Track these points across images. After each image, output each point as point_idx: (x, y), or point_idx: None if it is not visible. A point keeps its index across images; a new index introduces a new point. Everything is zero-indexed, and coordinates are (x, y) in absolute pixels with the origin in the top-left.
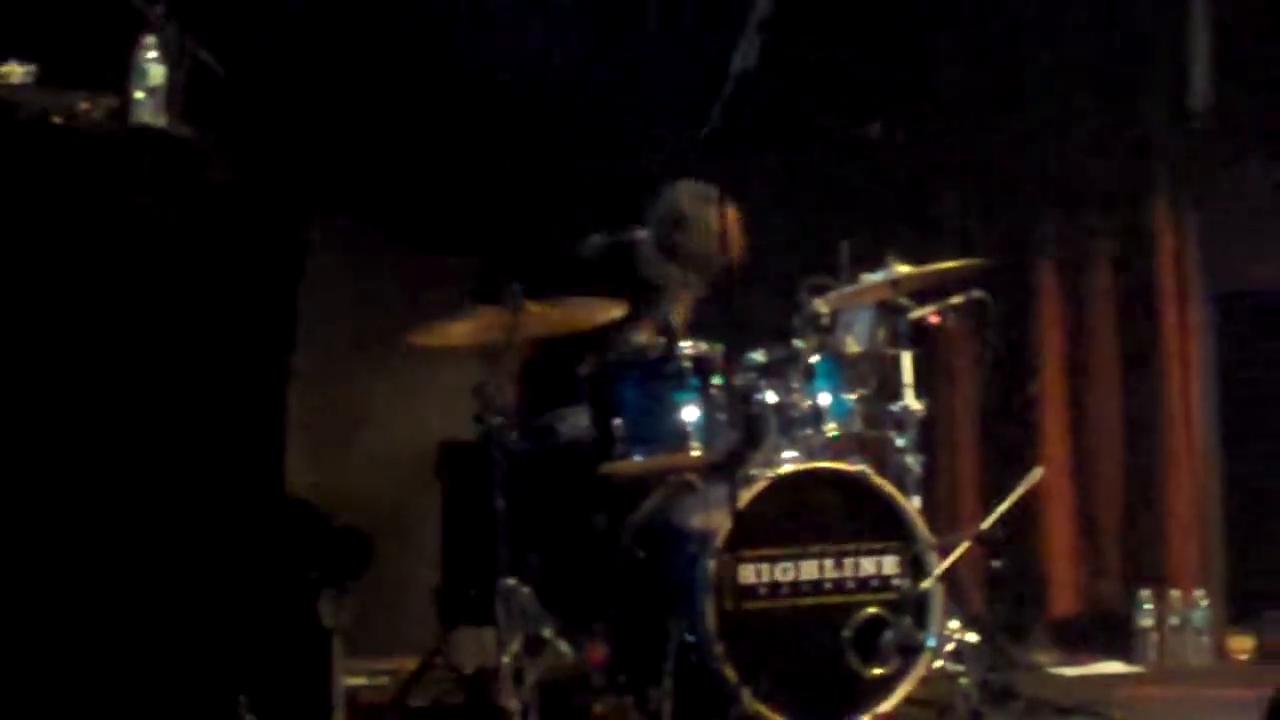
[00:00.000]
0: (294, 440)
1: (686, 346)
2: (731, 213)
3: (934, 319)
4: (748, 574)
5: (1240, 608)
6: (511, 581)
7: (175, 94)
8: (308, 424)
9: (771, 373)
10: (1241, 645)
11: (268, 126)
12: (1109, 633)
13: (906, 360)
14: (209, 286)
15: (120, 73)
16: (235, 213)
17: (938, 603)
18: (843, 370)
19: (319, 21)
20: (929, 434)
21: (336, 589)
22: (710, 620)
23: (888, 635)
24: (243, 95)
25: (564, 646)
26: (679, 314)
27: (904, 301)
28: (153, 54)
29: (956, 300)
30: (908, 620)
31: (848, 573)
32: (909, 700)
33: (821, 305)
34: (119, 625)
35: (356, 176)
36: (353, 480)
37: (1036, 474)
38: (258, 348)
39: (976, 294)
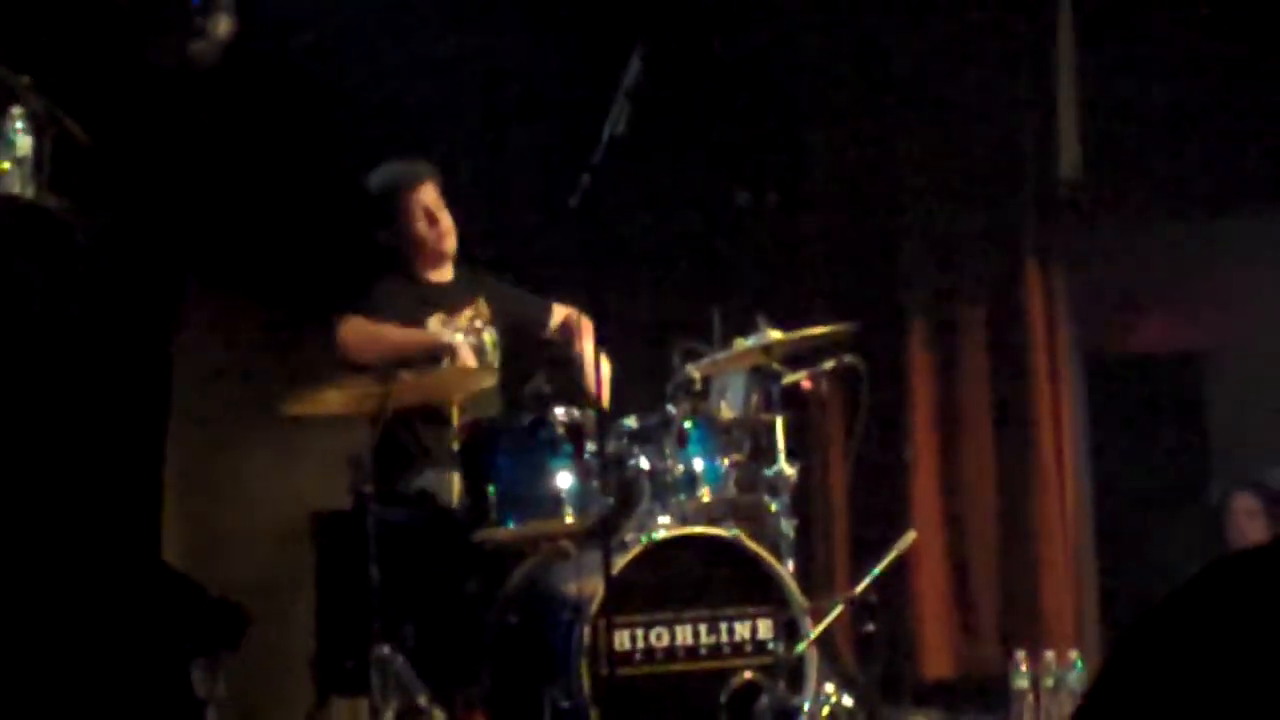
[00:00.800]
0: (167, 509)
1: (559, 413)
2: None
3: (807, 384)
4: (623, 640)
5: None
6: (386, 650)
7: (42, 164)
8: (181, 493)
9: (645, 438)
10: None
11: (135, 196)
12: (985, 694)
13: (779, 425)
14: (78, 356)
15: None
16: (103, 282)
17: (813, 667)
18: (716, 435)
19: (187, 91)
20: (803, 498)
21: (210, 659)
22: (585, 687)
23: (763, 700)
24: (109, 165)
25: (439, 715)
26: (482, 314)
27: (777, 366)
28: (20, 124)
29: (829, 365)
30: (783, 685)
31: (723, 638)
32: None
33: (694, 370)
34: None
35: (226, 244)
36: (226, 549)
37: (910, 537)
38: (130, 416)
39: (849, 359)
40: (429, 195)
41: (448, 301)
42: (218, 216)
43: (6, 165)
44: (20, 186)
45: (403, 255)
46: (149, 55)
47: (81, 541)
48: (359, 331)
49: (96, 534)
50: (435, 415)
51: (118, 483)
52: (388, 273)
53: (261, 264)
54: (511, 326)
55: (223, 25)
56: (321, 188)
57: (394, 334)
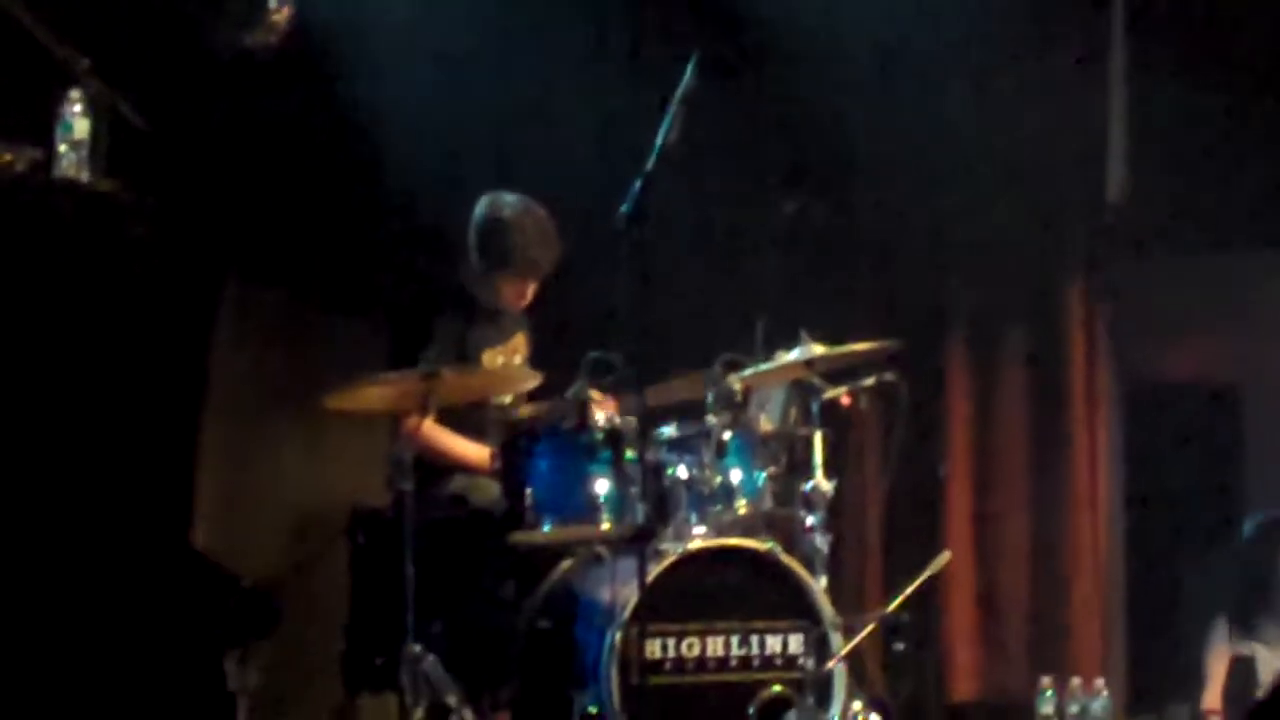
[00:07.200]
0: (203, 500)
1: (600, 418)
2: (543, 213)
3: (846, 400)
4: (654, 648)
5: (1140, 698)
6: (417, 648)
7: (99, 148)
8: (217, 484)
9: (683, 448)
10: None
11: (185, 184)
12: (1010, 719)
13: (818, 440)
14: (123, 340)
15: (44, 125)
16: (152, 269)
17: (841, 683)
18: (754, 447)
19: (243, 79)
20: (838, 514)
21: (242, 650)
22: (615, 694)
23: (791, 714)
24: (163, 151)
25: (468, 715)
26: (520, 349)
27: (817, 381)
28: (77, 107)
29: (869, 382)
30: (811, 700)
31: (754, 650)
32: None
33: (735, 382)
34: (14, 684)
35: (268, 236)
36: (261, 541)
37: (944, 557)
38: (169, 402)
39: (889, 376)
40: (533, 287)
41: (496, 330)
42: (265, 207)
43: (63, 148)
44: (76, 169)
45: (472, 292)
46: (207, 42)
47: (114, 531)
48: (433, 439)
49: (129, 523)
50: (476, 416)
51: (151, 469)
52: (446, 293)
53: (302, 256)
54: None
55: (280, 14)
56: (370, 184)
57: (462, 451)
